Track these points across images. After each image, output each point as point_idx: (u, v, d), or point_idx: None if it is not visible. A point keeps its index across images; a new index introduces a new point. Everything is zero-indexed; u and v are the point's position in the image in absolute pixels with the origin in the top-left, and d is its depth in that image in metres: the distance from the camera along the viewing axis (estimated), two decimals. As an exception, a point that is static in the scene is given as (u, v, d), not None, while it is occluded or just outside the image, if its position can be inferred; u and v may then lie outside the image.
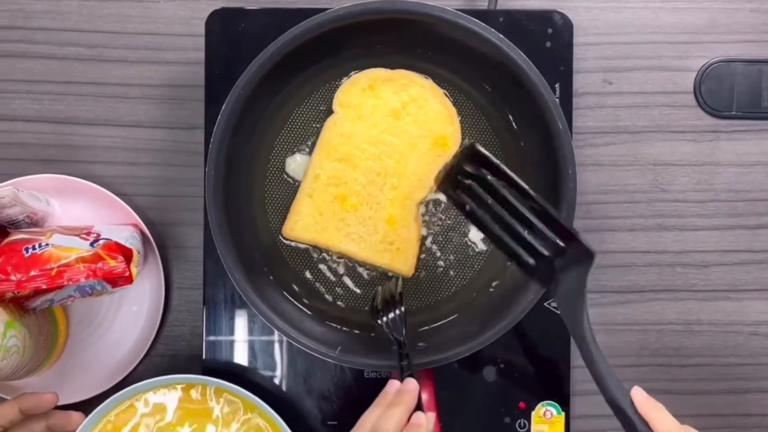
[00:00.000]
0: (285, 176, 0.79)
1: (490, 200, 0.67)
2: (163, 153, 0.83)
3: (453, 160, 0.69)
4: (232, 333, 0.80)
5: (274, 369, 0.80)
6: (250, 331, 0.80)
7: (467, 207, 0.68)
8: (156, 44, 0.83)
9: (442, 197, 0.79)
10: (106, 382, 0.81)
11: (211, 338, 0.80)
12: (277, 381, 0.80)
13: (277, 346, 0.80)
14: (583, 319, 0.65)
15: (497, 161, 0.66)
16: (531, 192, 0.65)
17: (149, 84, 0.83)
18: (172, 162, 0.83)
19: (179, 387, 0.77)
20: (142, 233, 0.80)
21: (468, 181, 0.68)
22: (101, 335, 0.82)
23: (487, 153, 0.66)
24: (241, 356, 0.80)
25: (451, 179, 0.68)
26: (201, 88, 0.80)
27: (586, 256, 0.66)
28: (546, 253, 0.67)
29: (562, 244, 0.67)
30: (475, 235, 0.79)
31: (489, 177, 0.66)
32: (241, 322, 0.80)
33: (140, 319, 0.82)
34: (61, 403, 0.80)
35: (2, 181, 0.79)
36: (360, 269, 0.79)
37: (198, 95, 0.81)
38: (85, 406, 0.82)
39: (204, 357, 0.80)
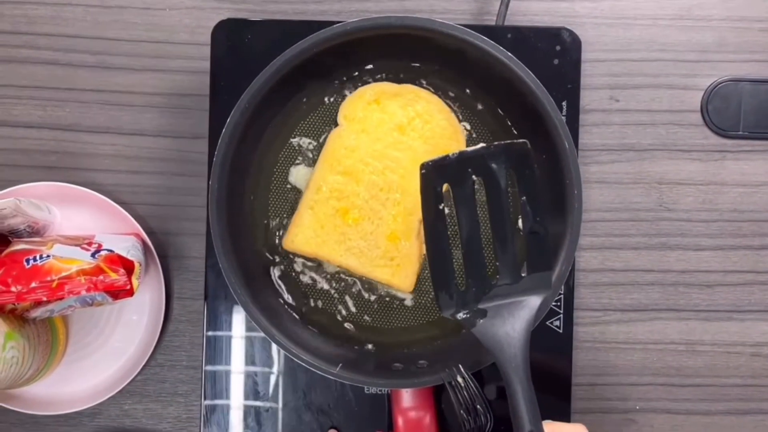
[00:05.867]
0: (289, 186, 0.78)
1: (479, 207, 0.64)
2: (166, 162, 0.83)
3: (482, 149, 0.64)
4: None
5: (271, 376, 0.80)
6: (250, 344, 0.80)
7: (441, 205, 0.64)
8: (161, 52, 0.82)
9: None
10: (104, 391, 0.80)
11: (211, 332, 0.80)
12: (271, 390, 0.80)
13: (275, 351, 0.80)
14: (526, 355, 0.63)
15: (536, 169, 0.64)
16: (542, 210, 0.64)
17: (153, 92, 0.82)
18: (175, 171, 0.82)
19: None
20: (144, 243, 0.80)
21: (477, 177, 0.64)
22: (101, 344, 0.82)
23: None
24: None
25: (453, 169, 0.64)
26: (205, 97, 0.79)
27: (542, 288, 0.64)
28: (500, 277, 0.64)
29: (523, 273, 0.64)
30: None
31: (506, 183, 0.63)
32: (238, 319, 0.80)
33: (140, 328, 0.82)
34: (58, 412, 0.80)
35: (4, 188, 0.79)
36: (361, 285, 0.79)
37: (202, 104, 0.80)
38: (83, 416, 0.82)
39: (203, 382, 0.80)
